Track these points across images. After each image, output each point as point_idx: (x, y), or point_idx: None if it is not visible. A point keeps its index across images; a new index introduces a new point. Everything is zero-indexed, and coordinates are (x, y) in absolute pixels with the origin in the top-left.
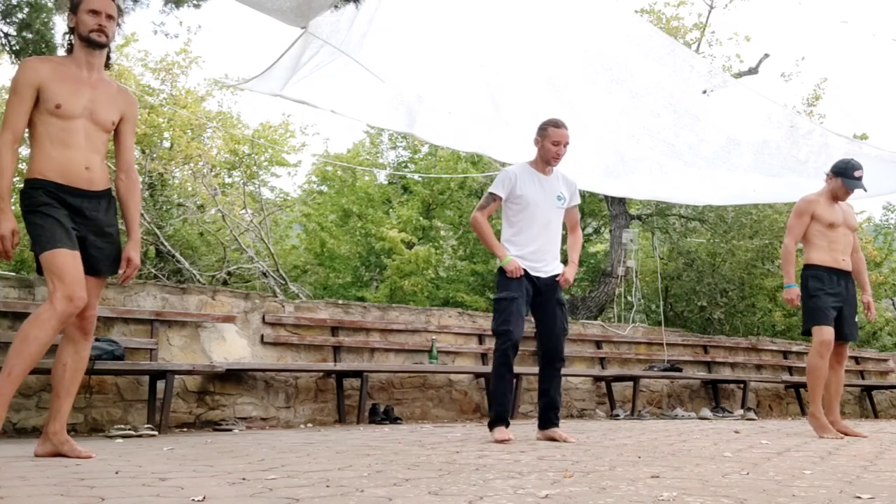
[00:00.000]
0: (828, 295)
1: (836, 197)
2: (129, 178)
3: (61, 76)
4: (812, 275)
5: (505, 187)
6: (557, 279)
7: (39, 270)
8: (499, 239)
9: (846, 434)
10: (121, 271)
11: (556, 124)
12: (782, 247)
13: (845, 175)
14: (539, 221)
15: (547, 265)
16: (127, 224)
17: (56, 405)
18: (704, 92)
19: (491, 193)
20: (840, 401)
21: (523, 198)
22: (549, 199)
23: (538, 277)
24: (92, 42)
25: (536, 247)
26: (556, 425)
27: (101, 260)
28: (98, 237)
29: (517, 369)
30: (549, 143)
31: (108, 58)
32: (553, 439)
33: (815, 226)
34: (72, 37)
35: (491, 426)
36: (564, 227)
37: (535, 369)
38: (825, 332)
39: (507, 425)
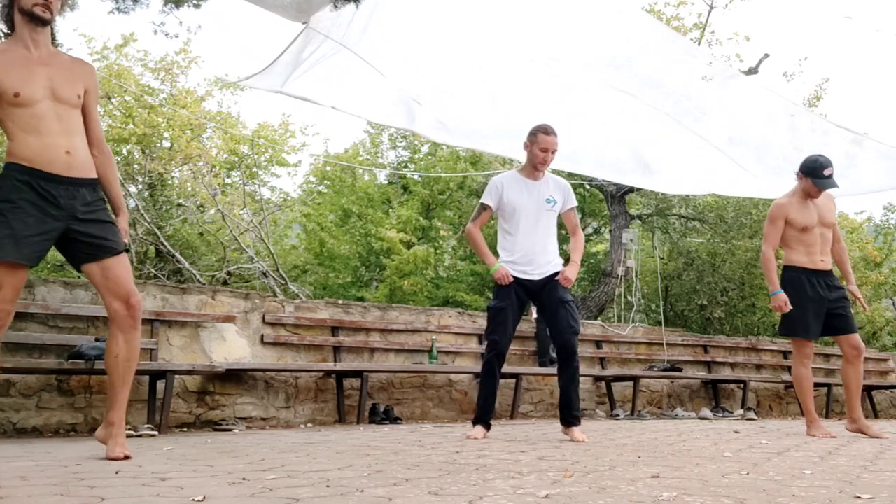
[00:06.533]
0: (809, 302)
1: (809, 195)
2: (102, 153)
3: (10, 62)
4: (790, 278)
5: (493, 196)
6: (556, 279)
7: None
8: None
9: (864, 434)
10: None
11: (545, 131)
12: (761, 255)
13: (814, 175)
14: (527, 225)
15: (539, 267)
16: (111, 198)
17: (111, 395)
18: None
19: (481, 204)
20: (859, 397)
21: (510, 204)
22: (537, 203)
23: (530, 280)
24: (36, 18)
25: (526, 250)
26: (575, 424)
27: (102, 239)
28: (84, 223)
29: (517, 370)
30: (538, 148)
31: (53, 34)
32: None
33: (789, 230)
34: (11, 13)
35: (472, 425)
36: (564, 228)
37: (536, 369)
38: (803, 344)
39: (488, 426)
